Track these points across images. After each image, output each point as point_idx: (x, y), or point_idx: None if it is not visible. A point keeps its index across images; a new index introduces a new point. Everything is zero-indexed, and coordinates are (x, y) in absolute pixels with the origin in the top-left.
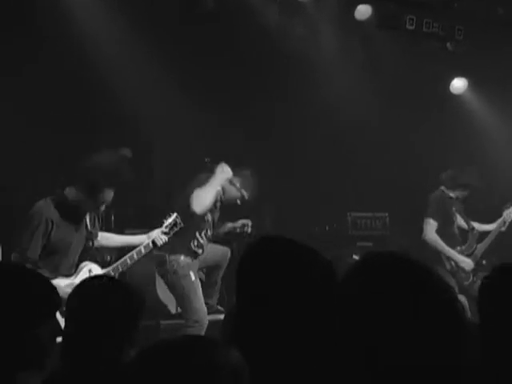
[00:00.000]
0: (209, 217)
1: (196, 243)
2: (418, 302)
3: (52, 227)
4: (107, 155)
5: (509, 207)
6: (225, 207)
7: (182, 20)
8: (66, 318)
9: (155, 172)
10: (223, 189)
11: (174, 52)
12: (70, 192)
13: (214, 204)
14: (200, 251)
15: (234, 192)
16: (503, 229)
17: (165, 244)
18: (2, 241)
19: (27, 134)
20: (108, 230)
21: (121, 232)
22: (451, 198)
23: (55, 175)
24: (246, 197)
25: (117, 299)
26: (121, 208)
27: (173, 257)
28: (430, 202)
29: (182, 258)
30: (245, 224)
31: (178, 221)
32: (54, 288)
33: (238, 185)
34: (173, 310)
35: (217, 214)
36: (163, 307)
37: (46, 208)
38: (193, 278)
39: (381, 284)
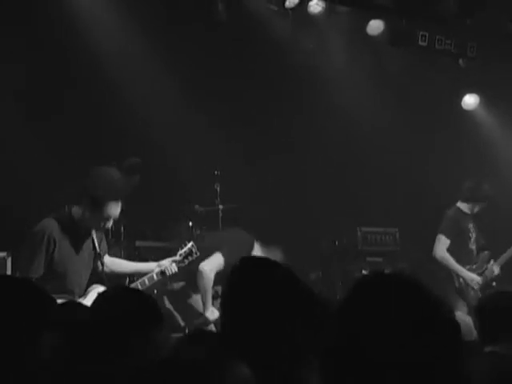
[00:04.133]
0: None
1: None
2: (415, 323)
3: (55, 247)
4: (105, 169)
5: None
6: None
7: (194, 32)
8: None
9: (167, 183)
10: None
11: (186, 64)
12: (76, 211)
13: None
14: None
15: None
16: None
17: (175, 274)
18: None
19: (37, 144)
20: (118, 242)
21: (131, 244)
22: (467, 214)
23: (66, 187)
24: None
25: (135, 307)
26: (131, 219)
27: None
28: (445, 218)
29: None
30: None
31: (194, 250)
32: (52, 300)
33: None
34: (182, 323)
35: None
36: (173, 320)
37: (49, 227)
38: None
39: (379, 305)
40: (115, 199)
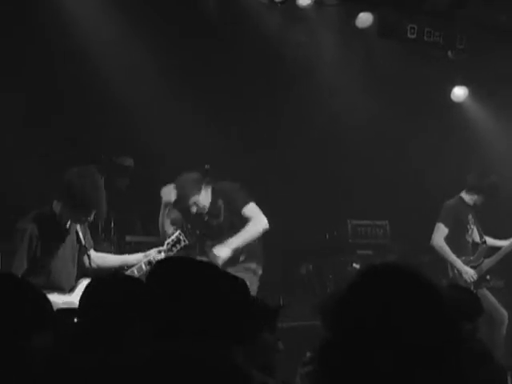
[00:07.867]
0: None
1: None
2: (417, 313)
3: (37, 242)
4: (87, 170)
5: None
6: None
7: (185, 26)
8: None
9: (156, 176)
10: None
11: (176, 60)
12: (56, 205)
13: None
14: None
15: None
16: None
17: None
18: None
19: (30, 144)
20: (108, 237)
21: (122, 239)
22: (468, 205)
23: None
24: None
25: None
26: (121, 214)
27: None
28: (445, 208)
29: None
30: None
31: (182, 238)
32: (46, 298)
33: None
34: None
35: None
36: None
37: (30, 223)
38: None
39: (384, 295)
40: (93, 201)
